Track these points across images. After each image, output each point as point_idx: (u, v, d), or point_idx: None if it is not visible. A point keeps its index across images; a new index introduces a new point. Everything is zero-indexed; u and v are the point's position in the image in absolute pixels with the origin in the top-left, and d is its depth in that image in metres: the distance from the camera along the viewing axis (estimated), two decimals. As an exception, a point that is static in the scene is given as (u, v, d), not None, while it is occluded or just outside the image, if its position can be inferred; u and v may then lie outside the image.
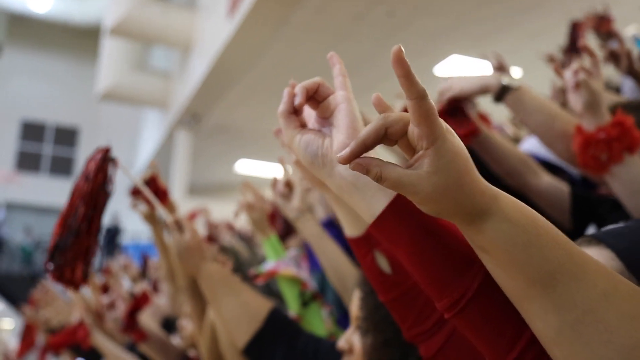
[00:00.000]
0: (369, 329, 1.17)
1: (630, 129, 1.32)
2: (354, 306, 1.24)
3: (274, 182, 1.78)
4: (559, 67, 1.58)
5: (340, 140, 0.65)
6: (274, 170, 1.74)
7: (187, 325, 2.22)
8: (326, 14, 7.05)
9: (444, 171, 0.53)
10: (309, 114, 0.71)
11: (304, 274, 1.84)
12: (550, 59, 2.69)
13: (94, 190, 1.46)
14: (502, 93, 1.58)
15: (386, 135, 0.55)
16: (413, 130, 0.55)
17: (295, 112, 0.68)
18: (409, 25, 7.24)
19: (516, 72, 7.70)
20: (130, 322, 2.17)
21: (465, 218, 0.55)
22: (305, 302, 1.81)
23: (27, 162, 17.72)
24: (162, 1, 10.49)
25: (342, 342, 1.23)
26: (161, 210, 1.59)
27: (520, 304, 0.56)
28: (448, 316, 0.64)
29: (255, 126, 11.33)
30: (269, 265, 1.82)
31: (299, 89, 0.66)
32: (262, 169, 13.48)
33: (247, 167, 13.87)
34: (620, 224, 0.85)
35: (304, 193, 1.74)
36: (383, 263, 0.96)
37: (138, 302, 2.20)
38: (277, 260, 1.83)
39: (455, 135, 0.55)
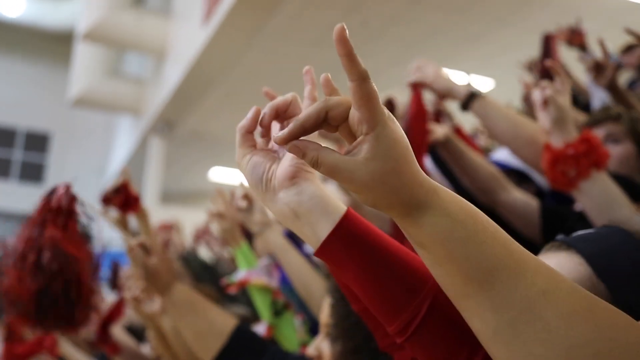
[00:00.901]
0: (339, 335, 1.16)
1: (597, 146, 1.34)
2: (324, 313, 1.24)
3: (232, 195, 1.77)
4: (529, 85, 1.60)
5: (284, 166, 0.63)
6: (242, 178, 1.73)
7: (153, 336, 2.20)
8: (301, 22, 7.07)
9: (383, 157, 0.51)
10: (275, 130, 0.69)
11: (275, 283, 1.83)
12: (529, 67, 2.72)
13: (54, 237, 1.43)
14: (468, 100, 1.60)
15: (327, 119, 0.54)
16: (354, 115, 0.53)
17: (253, 130, 0.66)
18: (383, 35, 7.29)
19: (488, 83, 7.79)
20: (103, 335, 2.14)
21: (402, 210, 0.53)
22: (277, 312, 1.80)
23: (-4, 167, 17.44)
24: (137, 7, 10.42)
25: (311, 350, 1.23)
26: (124, 234, 1.57)
27: (459, 302, 0.55)
28: (399, 341, 0.63)
29: (229, 134, 11.28)
30: (240, 275, 1.82)
31: (267, 109, 0.64)
32: (236, 177, 13.43)
33: (221, 175, 13.81)
34: (590, 230, 0.85)
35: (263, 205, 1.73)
36: None
37: (111, 315, 2.18)
38: (249, 269, 1.82)
39: (397, 122, 0.54)
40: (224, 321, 1.41)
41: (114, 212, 1.84)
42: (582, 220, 1.56)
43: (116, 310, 2.21)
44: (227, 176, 13.67)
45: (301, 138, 0.54)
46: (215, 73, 8.45)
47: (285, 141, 0.54)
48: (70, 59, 13.91)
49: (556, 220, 1.59)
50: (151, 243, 1.48)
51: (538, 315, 0.50)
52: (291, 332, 1.79)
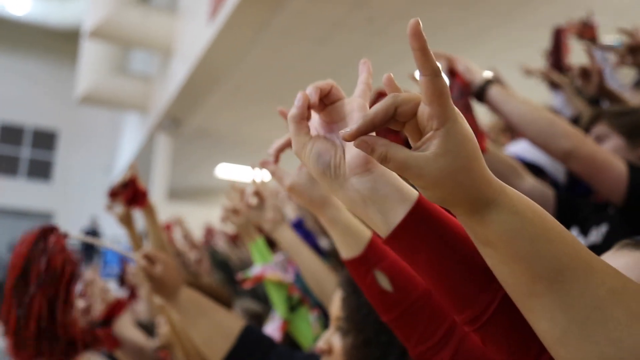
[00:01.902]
0: (350, 329, 1.17)
1: None
2: (334, 307, 1.24)
3: (242, 193, 1.76)
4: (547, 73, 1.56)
5: (354, 153, 0.62)
6: (256, 175, 1.72)
7: (164, 322, 2.21)
8: (307, 19, 7.06)
9: (453, 154, 0.51)
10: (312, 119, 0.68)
11: (290, 278, 1.83)
12: (528, 71, 2.71)
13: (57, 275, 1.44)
14: (484, 88, 1.58)
15: (395, 116, 0.53)
16: (423, 111, 0.52)
17: (309, 116, 0.64)
18: (388, 31, 7.27)
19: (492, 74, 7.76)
20: (104, 330, 2.15)
21: (470, 207, 0.53)
22: (292, 307, 1.80)
23: (4, 165, 17.49)
24: (143, 4, 10.43)
25: (321, 343, 1.23)
26: (131, 236, 1.57)
27: (524, 302, 0.53)
28: (469, 330, 0.62)
29: (236, 130, 11.30)
30: (255, 270, 1.82)
31: (312, 89, 0.63)
32: (242, 174, 13.45)
33: (228, 171, 13.82)
34: None
35: (275, 202, 1.72)
36: (384, 281, 0.95)
37: (112, 310, 2.19)
38: (264, 264, 1.82)
39: (465, 119, 0.53)
40: (232, 323, 1.41)
41: (119, 208, 1.84)
42: (597, 212, 1.56)
43: (117, 306, 2.22)
44: (234, 173, 13.68)
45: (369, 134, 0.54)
46: (221, 70, 8.46)
47: (353, 137, 0.53)
48: (76, 57, 13.95)
49: (571, 211, 1.58)
50: (154, 253, 1.48)
51: (609, 315, 0.49)
52: (306, 327, 1.79)
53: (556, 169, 1.91)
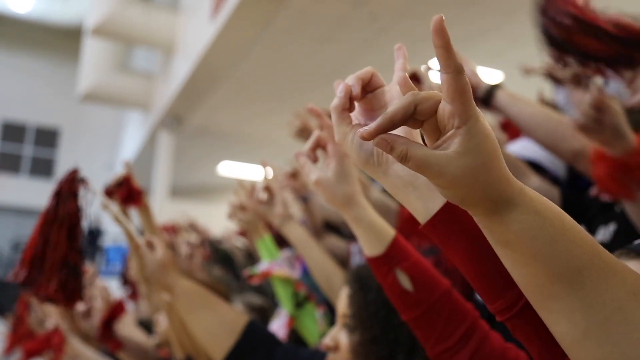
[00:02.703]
0: (357, 326, 1.17)
1: None
2: (341, 304, 1.24)
3: (253, 188, 1.76)
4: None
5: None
6: (258, 172, 1.73)
7: (163, 320, 2.21)
8: (310, 16, 7.05)
9: (475, 152, 0.50)
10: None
11: (297, 274, 1.83)
12: (527, 71, 2.69)
13: (66, 213, 1.46)
14: (491, 92, 1.57)
15: (414, 114, 0.52)
16: (444, 109, 0.52)
17: (351, 106, 0.64)
18: (392, 29, 7.26)
19: (498, 76, 7.74)
20: (105, 332, 2.15)
21: (489, 206, 0.52)
22: (299, 303, 1.81)
23: (7, 163, 17.52)
24: (145, 2, 10.42)
25: (327, 340, 1.23)
26: (132, 231, 1.57)
27: (543, 304, 0.53)
28: (501, 319, 0.63)
29: (238, 128, 11.29)
30: (262, 266, 1.82)
31: (353, 80, 0.63)
32: (245, 171, 13.45)
33: (230, 169, 13.83)
34: None
35: (284, 198, 1.72)
36: (405, 281, 0.96)
37: (113, 312, 2.19)
38: (271, 261, 1.82)
39: (485, 118, 0.52)
40: (235, 317, 1.41)
41: (114, 207, 1.84)
42: (605, 211, 1.54)
43: (118, 308, 2.22)
44: (237, 170, 13.69)
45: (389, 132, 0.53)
46: (223, 67, 8.45)
47: (372, 136, 0.52)
48: (78, 55, 13.95)
49: (578, 210, 1.56)
50: (155, 240, 1.49)
51: (630, 316, 0.49)
52: (312, 324, 1.80)
53: (555, 165, 1.90)
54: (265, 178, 1.74)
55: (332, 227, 2.69)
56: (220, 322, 1.39)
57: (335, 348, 1.21)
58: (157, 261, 1.44)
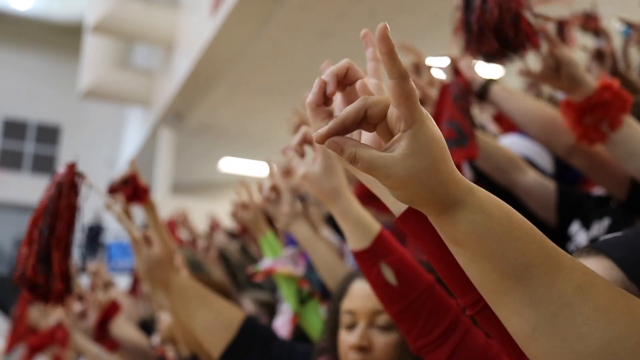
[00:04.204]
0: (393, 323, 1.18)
1: (620, 90, 1.30)
2: (360, 300, 1.24)
3: (260, 187, 1.77)
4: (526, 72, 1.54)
5: (368, 136, 0.65)
6: (259, 169, 1.74)
7: (165, 318, 2.22)
8: (309, 12, 7.04)
9: (419, 155, 0.52)
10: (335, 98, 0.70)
11: (301, 271, 1.84)
12: (524, 73, 2.69)
13: (60, 208, 1.46)
14: (486, 87, 1.58)
15: (365, 118, 0.54)
16: (392, 113, 0.54)
17: (324, 102, 0.66)
18: (391, 24, 7.16)
19: (497, 71, 7.74)
20: (101, 332, 2.16)
21: (437, 207, 0.54)
22: (302, 300, 1.81)
23: (8, 160, 17.53)
24: (145, -1, 10.42)
25: (360, 340, 1.18)
26: (130, 227, 1.57)
27: (495, 300, 0.55)
28: (470, 313, 0.65)
29: (239, 124, 11.29)
30: (266, 263, 1.82)
31: (328, 77, 0.64)
32: (246, 167, 13.45)
33: (231, 165, 13.82)
34: (618, 233, 0.85)
35: (290, 197, 1.72)
36: (389, 275, 0.97)
37: (108, 312, 2.19)
38: (274, 258, 1.82)
39: (434, 121, 0.54)
40: (232, 313, 1.41)
41: (117, 206, 1.84)
42: (600, 206, 1.55)
43: (113, 308, 2.23)
44: (237, 166, 13.68)
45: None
46: (224, 63, 8.45)
47: (324, 138, 0.54)
48: (79, 52, 13.94)
49: (573, 204, 1.57)
50: (153, 236, 1.49)
51: (577, 310, 0.50)
52: (316, 320, 1.80)
53: (544, 159, 1.91)
54: (272, 176, 1.74)
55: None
56: (217, 318, 1.39)
57: (369, 348, 1.17)
58: (153, 257, 1.44)
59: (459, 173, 0.55)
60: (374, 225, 1.02)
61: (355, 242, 1.01)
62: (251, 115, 10.65)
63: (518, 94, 1.55)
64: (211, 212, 4.11)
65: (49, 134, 18.16)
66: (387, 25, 0.53)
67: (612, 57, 2.06)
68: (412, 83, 0.52)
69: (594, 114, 1.29)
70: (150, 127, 11.76)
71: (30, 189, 17.00)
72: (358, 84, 0.65)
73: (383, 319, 1.18)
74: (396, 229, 1.00)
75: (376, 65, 0.68)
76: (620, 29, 2.26)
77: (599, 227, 1.47)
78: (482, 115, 2.80)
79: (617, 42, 2.33)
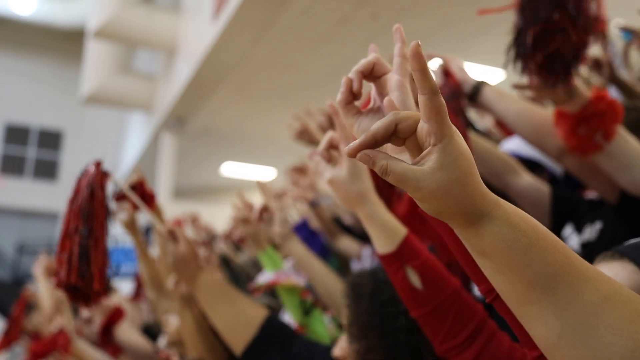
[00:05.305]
0: (355, 335, 1.19)
1: (613, 102, 1.30)
2: (343, 316, 1.26)
3: (250, 208, 1.79)
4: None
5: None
6: (260, 174, 1.76)
7: (173, 321, 2.22)
8: (311, 16, 7.05)
9: (449, 168, 0.53)
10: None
11: (303, 281, 1.84)
12: (518, 87, 2.68)
13: (95, 208, 1.46)
14: (477, 90, 1.58)
15: (396, 132, 0.56)
16: (422, 127, 0.55)
17: (353, 98, 0.70)
18: (392, 28, 7.26)
19: (499, 75, 7.74)
20: (105, 337, 2.17)
21: (465, 219, 0.55)
22: (306, 310, 1.81)
23: (10, 165, 17.56)
24: (147, 4, 10.44)
25: (337, 351, 1.25)
26: (155, 220, 1.58)
27: (521, 309, 0.56)
28: (488, 300, 0.68)
29: (240, 128, 11.30)
30: (266, 277, 1.82)
31: (354, 74, 0.69)
32: (248, 172, 13.46)
33: (233, 169, 13.84)
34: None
35: (283, 217, 1.76)
36: (414, 279, 0.99)
37: (112, 318, 2.20)
38: (277, 271, 1.82)
39: (462, 136, 0.56)
40: (255, 311, 1.45)
41: (123, 215, 1.84)
42: (593, 209, 1.54)
43: (117, 313, 2.23)
44: (239, 171, 13.69)
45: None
46: (226, 68, 8.46)
47: (355, 152, 0.56)
48: (81, 57, 13.97)
49: (567, 208, 1.58)
50: (178, 232, 1.51)
51: (602, 320, 0.52)
52: (322, 329, 1.80)
53: (554, 163, 1.91)
54: (264, 198, 1.78)
55: (346, 228, 2.70)
56: (239, 315, 1.43)
57: (344, 358, 1.22)
58: (180, 253, 1.47)
59: (486, 187, 0.57)
60: (400, 229, 1.03)
61: (381, 245, 1.02)
62: (253, 120, 10.66)
63: (509, 96, 1.55)
64: (210, 219, 4.11)
65: (51, 139, 18.20)
66: (419, 43, 0.54)
67: (609, 66, 2.06)
68: (442, 99, 0.54)
69: (589, 124, 1.30)
70: (152, 132, 11.77)
71: (32, 194, 17.05)
72: (385, 102, 0.67)
73: None
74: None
75: (402, 62, 0.71)
76: (620, 33, 2.26)
77: (591, 231, 1.47)
78: (484, 120, 2.79)
79: (617, 45, 2.33)
